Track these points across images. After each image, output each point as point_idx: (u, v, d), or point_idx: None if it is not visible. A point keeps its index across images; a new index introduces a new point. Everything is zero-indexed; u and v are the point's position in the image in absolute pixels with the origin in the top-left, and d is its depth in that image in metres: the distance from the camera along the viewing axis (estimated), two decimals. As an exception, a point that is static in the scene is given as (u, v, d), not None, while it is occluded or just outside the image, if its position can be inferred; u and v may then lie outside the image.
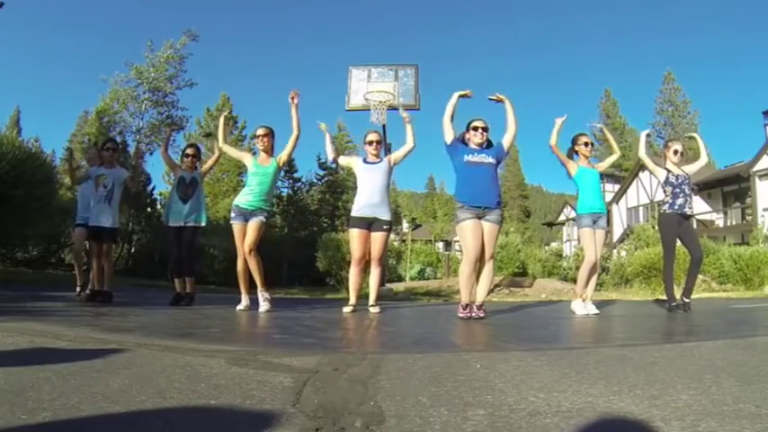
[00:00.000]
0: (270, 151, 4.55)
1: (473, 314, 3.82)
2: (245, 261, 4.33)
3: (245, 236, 4.31)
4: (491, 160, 3.95)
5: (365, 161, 4.52)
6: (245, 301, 4.35)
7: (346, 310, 4.29)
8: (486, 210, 3.87)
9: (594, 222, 4.45)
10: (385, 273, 5.30)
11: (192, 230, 4.79)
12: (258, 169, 4.43)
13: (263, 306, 4.28)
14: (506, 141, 4.10)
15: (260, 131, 4.55)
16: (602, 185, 4.64)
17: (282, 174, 4.55)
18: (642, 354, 2.20)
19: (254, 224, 4.31)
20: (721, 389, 1.48)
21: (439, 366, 1.86)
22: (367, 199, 4.38)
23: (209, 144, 15.91)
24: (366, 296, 4.69)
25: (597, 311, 4.33)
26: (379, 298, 4.73)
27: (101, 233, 4.74)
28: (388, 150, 9.78)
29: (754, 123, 42.54)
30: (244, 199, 4.40)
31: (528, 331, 3.41)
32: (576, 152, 4.58)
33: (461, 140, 4.07)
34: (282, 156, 4.57)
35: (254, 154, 4.74)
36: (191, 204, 4.77)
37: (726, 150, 73.08)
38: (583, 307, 4.38)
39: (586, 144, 4.54)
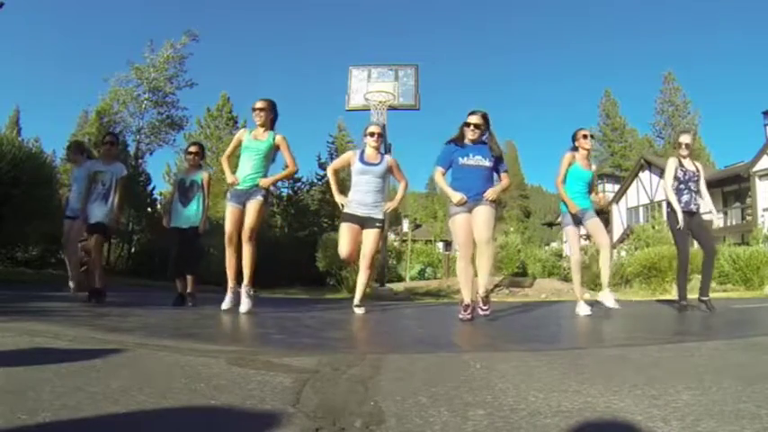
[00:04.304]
0: (268, 125, 4.10)
1: (474, 313, 3.68)
2: (237, 243, 3.96)
3: (242, 220, 3.94)
4: (487, 164, 3.78)
5: (362, 160, 4.27)
6: (229, 295, 4.03)
7: (359, 311, 4.16)
8: (478, 201, 3.73)
9: (578, 220, 4.39)
10: (375, 272, 5.03)
11: (193, 231, 4.80)
12: (250, 144, 4.01)
13: (245, 304, 3.90)
14: (501, 185, 3.98)
15: (257, 104, 4.07)
16: (590, 185, 4.51)
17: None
18: (642, 354, 2.20)
19: (253, 205, 3.92)
20: (721, 389, 1.48)
21: (439, 366, 1.86)
22: (360, 199, 4.25)
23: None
24: (367, 295, 4.64)
25: (589, 313, 4.26)
26: (366, 298, 4.52)
27: (94, 228, 4.71)
28: (387, 150, 9.82)
29: (754, 123, 42.44)
30: (239, 179, 4.01)
31: (528, 331, 3.40)
32: (577, 148, 4.49)
33: (457, 139, 3.88)
34: (281, 141, 4.09)
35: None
36: (191, 208, 4.77)
37: (726, 150, 73.01)
38: (583, 306, 4.36)
39: (585, 137, 4.43)
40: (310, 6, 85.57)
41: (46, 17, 62.93)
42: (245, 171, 4.02)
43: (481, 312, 3.74)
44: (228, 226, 3.99)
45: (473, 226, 3.73)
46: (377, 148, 4.34)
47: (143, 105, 18.84)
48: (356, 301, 4.34)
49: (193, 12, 65.07)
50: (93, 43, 64.99)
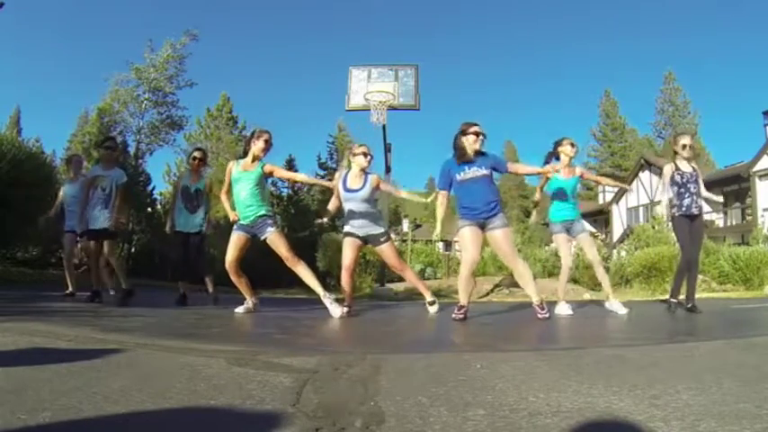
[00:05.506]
0: (260, 154, 4.05)
1: (467, 314, 3.79)
2: (236, 269, 4.00)
3: (245, 247, 4.01)
4: (484, 172, 3.76)
5: (345, 187, 4.18)
6: (248, 303, 4.11)
7: (342, 310, 4.12)
8: (488, 219, 3.77)
9: (567, 230, 4.44)
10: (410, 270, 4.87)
11: (200, 236, 4.89)
12: (240, 175, 3.99)
13: (337, 311, 3.87)
14: (512, 166, 4.10)
15: (258, 134, 4.08)
16: (575, 193, 4.52)
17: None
18: (642, 354, 2.20)
19: (273, 239, 3.94)
20: (721, 389, 1.48)
21: (439, 366, 1.86)
22: (353, 221, 4.20)
23: None
24: (366, 296, 4.67)
25: (571, 312, 4.35)
26: (425, 291, 4.60)
27: (99, 234, 4.70)
28: (388, 149, 9.81)
29: (754, 123, 42.33)
30: (240, 215, 4.03)
31: (528, 331, 3.40)
32: (557, 156, 4.46)
33: (456, 156, 3.84)
34: (272, 167, 4.12)
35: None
36: (198, 215, 4.87)
37: (726, 150, 72.81)
38: (566, 307, 4.42)
39: (573, 145, 4.47)
40: (310, 6, 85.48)
41: (46, 17, 62.87)
42: (242, 202, 3.97)
43: (540, 317, 3.82)
44: (229, 252, 3.96)
45: (498, 252, 3.97)
46: (364, 170, 4.20)
47: (143, 105, 18.86)
48: (429, 298, 4.52)
49: (193, 12, 64.96)
50: (93, 43, 64.89)
